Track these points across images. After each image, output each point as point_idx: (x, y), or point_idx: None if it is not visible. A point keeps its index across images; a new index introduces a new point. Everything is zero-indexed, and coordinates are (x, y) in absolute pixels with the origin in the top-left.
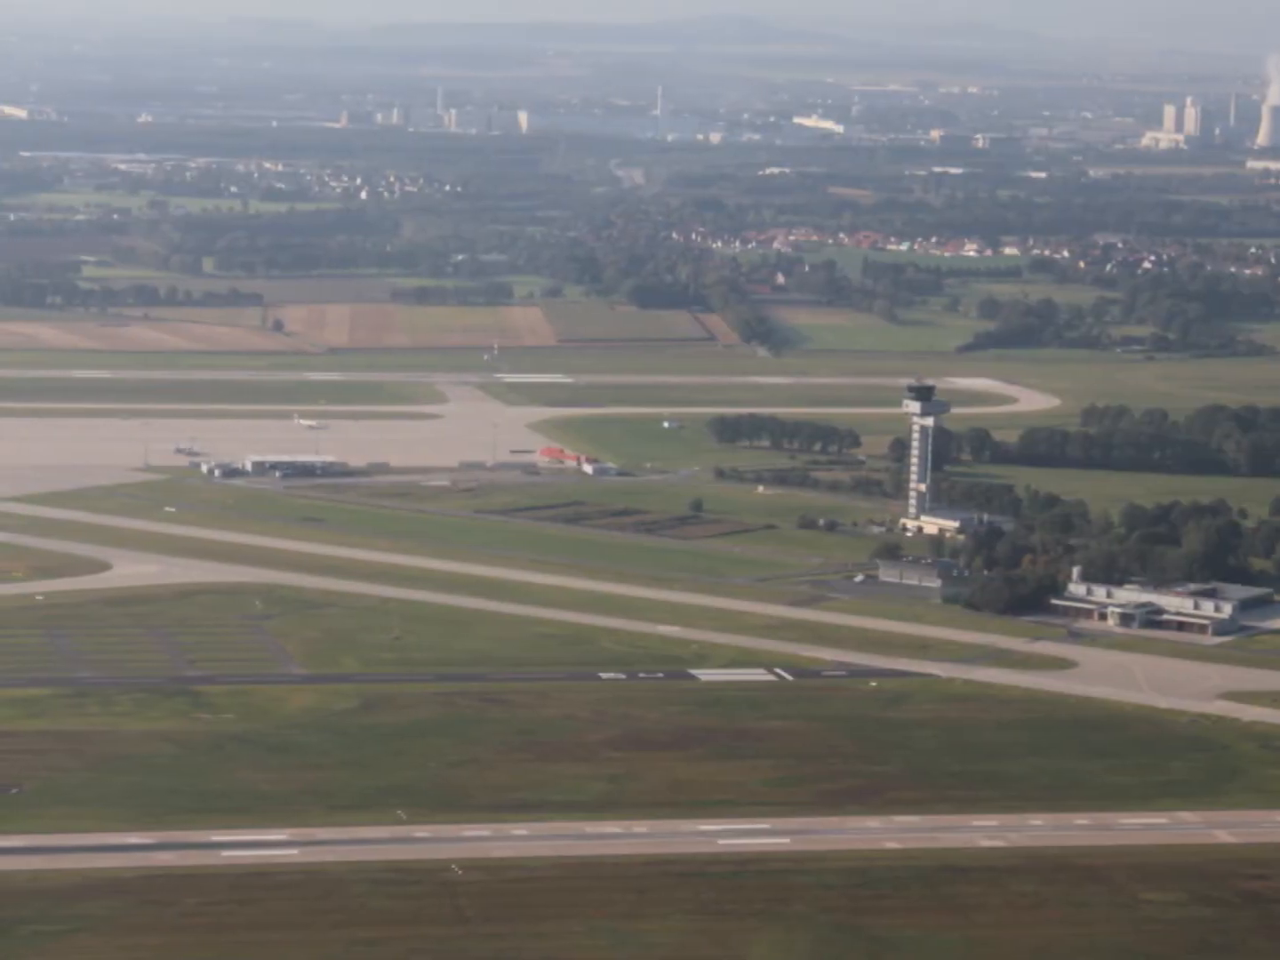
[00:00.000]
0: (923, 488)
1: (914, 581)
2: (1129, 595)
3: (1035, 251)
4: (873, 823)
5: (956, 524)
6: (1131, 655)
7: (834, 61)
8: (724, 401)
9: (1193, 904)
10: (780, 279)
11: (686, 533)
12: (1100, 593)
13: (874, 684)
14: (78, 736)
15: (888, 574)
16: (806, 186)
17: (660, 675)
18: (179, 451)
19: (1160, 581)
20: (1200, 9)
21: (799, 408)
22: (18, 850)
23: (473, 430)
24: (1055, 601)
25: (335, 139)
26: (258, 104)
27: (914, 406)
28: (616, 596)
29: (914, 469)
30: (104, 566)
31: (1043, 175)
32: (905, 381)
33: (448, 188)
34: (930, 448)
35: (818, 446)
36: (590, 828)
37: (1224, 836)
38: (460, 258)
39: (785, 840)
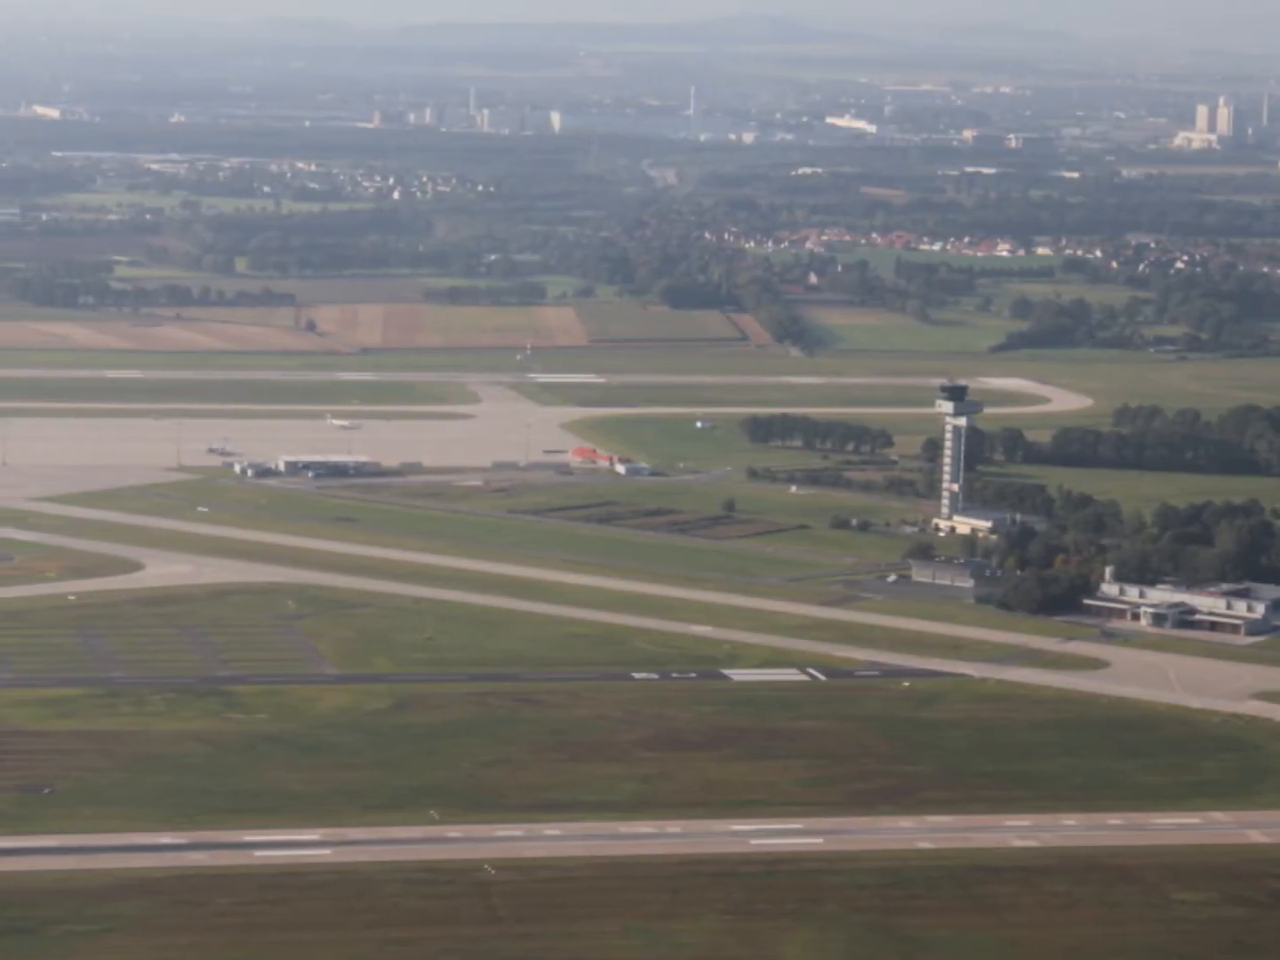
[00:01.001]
0: (955, 488)
1: (946, 581)
2: (1161, 595)
3: (1068, 251)
4: (905, 823)
5: (989, 524)
6: (1164, 655)
7: (866, 61)
8: (756, 401)
9: (1225, 904)
10: (813, 279)
11: (719, 533)
12: (1133, 593)
13: (906, 684)
14: (109, 736)
15: (920, 574)
16: (839, 186)
17: (693, 675)
18: (211, 451)
19: (1193, 581)
20: (1233, 9)
21: (832, 408)
22: (49, 850)
23: (505, 430)
24: (1088, 602)
25: (368, 139)
26: (290, 104)
27: (947, 406)
28: (649, 596)
29: (947, 469)
30: (136, 566)
31: (1075, 175)
32: (938, 381)
33: (480, 188)
34: (963, 448)
35: (850, 446)
36: (623, 828)
37: (1256, 836)
38: (493, 258)
39: (818, 840)
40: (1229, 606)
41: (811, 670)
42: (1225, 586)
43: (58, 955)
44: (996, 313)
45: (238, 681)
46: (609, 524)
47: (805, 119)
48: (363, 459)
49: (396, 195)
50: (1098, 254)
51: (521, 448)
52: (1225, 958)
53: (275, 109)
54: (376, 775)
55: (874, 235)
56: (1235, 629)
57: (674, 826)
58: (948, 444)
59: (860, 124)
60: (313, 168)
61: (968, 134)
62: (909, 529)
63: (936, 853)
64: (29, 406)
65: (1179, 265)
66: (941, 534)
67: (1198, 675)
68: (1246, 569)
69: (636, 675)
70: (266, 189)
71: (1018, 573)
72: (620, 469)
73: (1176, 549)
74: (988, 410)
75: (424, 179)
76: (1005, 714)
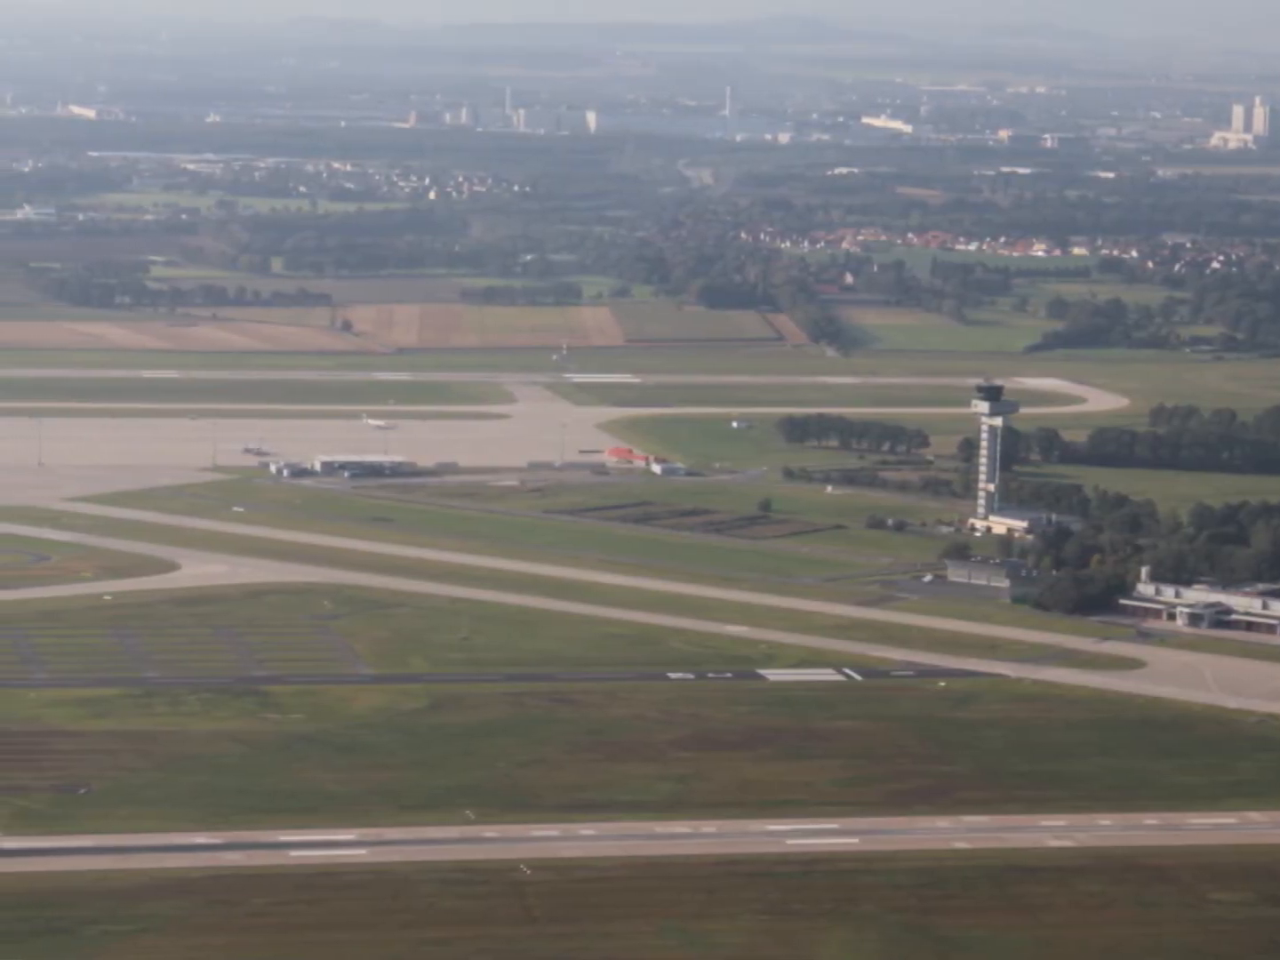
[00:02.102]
0: (991, 488)
1: (982, 581)
2: (1197, 595)
3: (1104, 251)
4: (941, 823)
5: (1025, 524)
6: (1200, 655)
7: (902, 61)
8: (792, 401)
9: (1261, 904)
10: (849, 279)
11: (755, 533)
12: (1169, 593)
13: (942, 684)
14: (145, 736)
15: (956, 574)
16: (875, 186)
17: (729, 675)
18: (247, 451)
19: (1229, 581)
20: (1268, 9)
21: (867, 408)
22: (85, 850)
23: (541, 430)
24: (1124, 601)
25: (403, 139)
26: (325, 104)
27: (982, 406)
28: (685, 596)
29: (982, 469)
30: (172, 566)
31: (1111, 175)
32: (974, 381)
33: (516, 187)
34: (999, 448)
35: (886, 446)
36: (659, 828)
37: None
38: (529, 258)
39: (854, 840)
40: (1265, 606)
41: (847, 670)
42: (1261, 586)
43: (93, 955)
44: (1032, 313)
45: (273, 681)
46: (645, 524)
47: (841, 119)
48: (398, 459)
49: (432, 195)
50: (1134, 254)
51: (557, 448)
52: (1262, 958)
53: (310, 109)
54: (412, 775)
55: (910, 235)
56: (1271, 629)
57: (709, 826)
58: (984, 444)
59: (896, 124)
60: (348, 168)
61: (1003, 134)
62: (945, 529)
63: (972, 853)
64: (65, 407)
65: (1215, 265)
66: (977, 534)
67: (1234, 675)
68: None
69: (672, 675)
70: (302, 189)
71: (1053, 573)
72: (656, 469)
73: (1212, 549)
74: (1023, 410)
75: (460, 179)
76: (1041, 714)
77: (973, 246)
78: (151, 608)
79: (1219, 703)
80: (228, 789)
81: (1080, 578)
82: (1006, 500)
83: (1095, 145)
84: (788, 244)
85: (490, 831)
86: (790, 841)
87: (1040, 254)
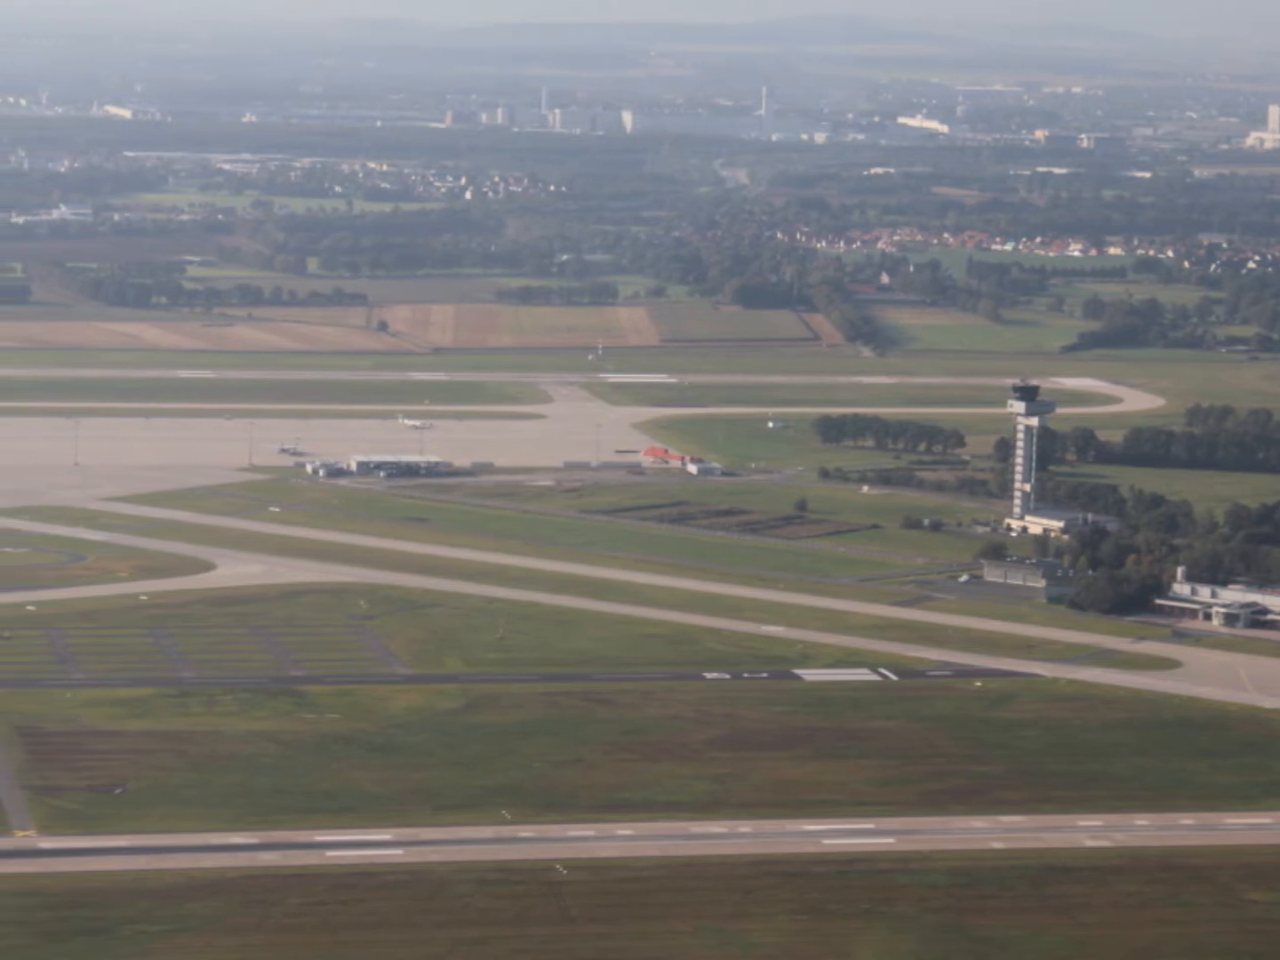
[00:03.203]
0: (1027, 488)
1: (1019, 581)
2: (1233, 595)
3: (1140, 251)
4: (977, 822)
5: (1061, 524)
6: (1236, 655)
7: (939, 61)
8: (828, 401)
9: None
10: (884, 279)
11: (791, 533)
12: (1205, 593)
13: (978, 684)
14: (182, 736)
15: (992, 574)
16: (911, 186)
17: (765, 675)
18: (283, 451)
19: (1265, 581)
20: None
21: (903, 408)
22: (122, 850)
23: (577, 430)
24: (1160, 602)
25: (440, 139)
26: (362, 104)
27: (1019, 406)
28: (721, 596)
29: (1019, 469)
30: (208, 566)
31: (1147, 175)
32: (1010, 381)
33: (552, 187)
34: (1035, 448)
35: (922, 446)
36: (695, 828)
37: None
38: (565, 257)
39: (890, 840)
40: None
41: (883, 670)
42: None
43: (130, 955)
44: (1068, 313)
45: (309, 681)
46: (681, 524)
47: (877, 119)
48: (434, 459)
49: (468, 195)
50: (1169, 254)
51: (593, 447)
52: None
53: (347, 109)
54: (448, 775)
55: (946, 235)
56: None
57: (746, 826)
58: (1020, 444)
59: (932, 124)
60: (384, 168)
61: (1039, 134)
62: (981, 529)
63: (1009, 852)
64: (101, 406)
65: (1251, 265)
66: (1013, 534)
67: (1270, 675)
68: None
69: (708, 675)
70: (338, 189)
71: (1089, 573)
72: (692, 469)
73: (1248, 549)
74: (1059, 410)
75: (496, 179)
76: (1077, 714)
77: (1009, 246)
78: (187, 608)
79: (1255, 703)
80: (264, 789)
81: (1116, 578)
82: (1042, 500)
83: (1131, 145)
84: (823, 244)
85: (526, 831)
86: (826, 841)
87: (1076, 254)
